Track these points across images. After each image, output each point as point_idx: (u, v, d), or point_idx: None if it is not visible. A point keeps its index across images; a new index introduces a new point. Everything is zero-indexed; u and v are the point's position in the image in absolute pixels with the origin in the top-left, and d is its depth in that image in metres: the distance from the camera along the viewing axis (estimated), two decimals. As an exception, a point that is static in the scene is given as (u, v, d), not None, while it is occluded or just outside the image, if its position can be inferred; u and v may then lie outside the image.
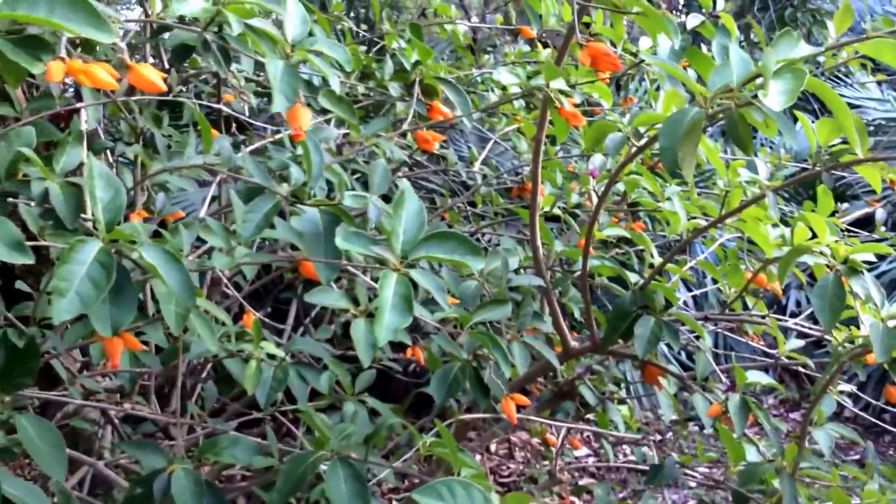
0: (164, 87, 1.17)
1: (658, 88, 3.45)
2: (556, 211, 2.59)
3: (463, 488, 1.25)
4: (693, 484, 4.37)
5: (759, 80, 1.26)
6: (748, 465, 1.92)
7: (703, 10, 2.11)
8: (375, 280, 2.06)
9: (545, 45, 2.96)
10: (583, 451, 4.66)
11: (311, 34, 1.47)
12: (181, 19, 1.48)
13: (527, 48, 3.30)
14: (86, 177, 1.26)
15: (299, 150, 1.98)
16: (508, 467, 4.37)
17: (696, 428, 4.49)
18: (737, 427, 1.84)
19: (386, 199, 1.65)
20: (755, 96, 1.21)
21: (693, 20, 2.05)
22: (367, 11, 4.88)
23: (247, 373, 1.85)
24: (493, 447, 4.54)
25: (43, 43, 1.01)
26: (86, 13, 0.97)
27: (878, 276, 4.99)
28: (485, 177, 3.15)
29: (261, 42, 1.27)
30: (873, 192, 4.91)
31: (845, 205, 2.70)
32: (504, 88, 2.62)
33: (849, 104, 6.54)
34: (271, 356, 1.85)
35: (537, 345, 1.93)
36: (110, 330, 1.22)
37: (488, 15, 8.22)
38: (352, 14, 5.66)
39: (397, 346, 2.74)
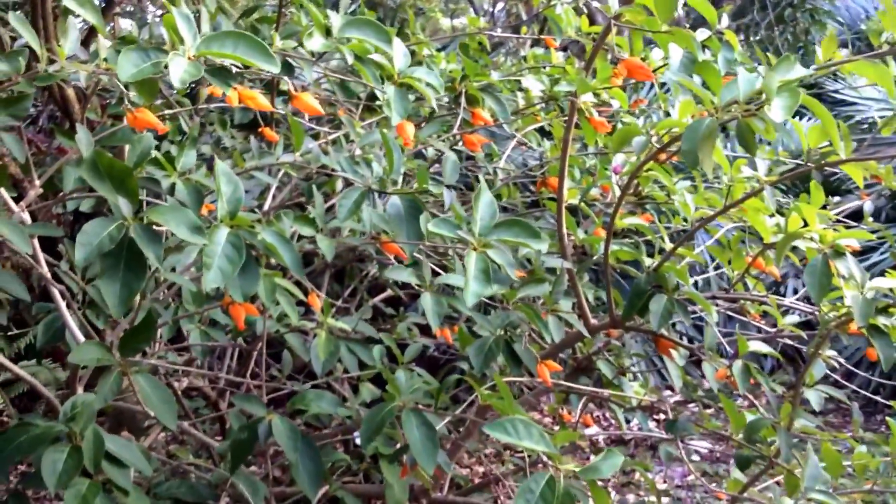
0: (323, 111, 1.47)
1: (667, 91, 3.73)
2: (574, 202, 2.86)
3: (523, 425, 1.55)
4: (696, 458, 4.68)
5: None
6: (751, 421, 2.21)
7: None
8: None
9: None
10: (593, 428, 4.94)
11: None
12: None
13: (540, 51, 3.56)
14: (214, 174, 1.56)
15: (357, 151, 2.28)
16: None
17: (696, 409, 4.78)
18: (740, 386, 2.14)
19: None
20: (758, 108, 1.52)
21: (701, 35, 2.34)
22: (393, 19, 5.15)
23: (319, 342, 2.14)
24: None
25: (229, 72, 1.30)
26: (260, 51, 1.28)
27: (870, 267, 5.22)
28: (499, 172, 3.42)
29: (366, 70, 1.56)
30: (866, 186, 5.16)
31: (837, 198, 2.98)
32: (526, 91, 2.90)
33: (845, 102, 6.66)
34: (344, 330, 2.15)
35: (570, 318, 2.22)
36: (242, 297, 1.51)
37: (498, 13, 8.48)
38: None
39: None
